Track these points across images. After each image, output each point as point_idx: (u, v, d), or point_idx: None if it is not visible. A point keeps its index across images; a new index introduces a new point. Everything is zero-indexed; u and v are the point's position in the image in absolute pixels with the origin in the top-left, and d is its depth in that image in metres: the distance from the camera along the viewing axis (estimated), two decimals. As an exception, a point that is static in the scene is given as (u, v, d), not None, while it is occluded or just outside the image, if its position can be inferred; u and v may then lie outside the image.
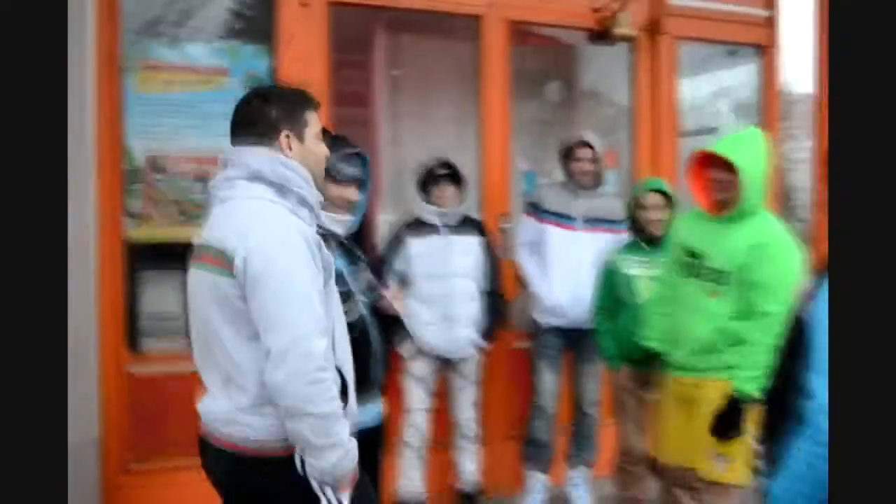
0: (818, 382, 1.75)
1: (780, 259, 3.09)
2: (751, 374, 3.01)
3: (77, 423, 3.30)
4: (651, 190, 3.93)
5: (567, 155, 4.31)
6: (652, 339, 3.47)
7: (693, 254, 3.24)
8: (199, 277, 2.12)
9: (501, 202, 4.70)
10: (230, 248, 2.00)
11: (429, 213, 4.05)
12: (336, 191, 2.73)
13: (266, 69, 4.16)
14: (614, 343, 3.83)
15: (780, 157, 5.85)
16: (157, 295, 4.10)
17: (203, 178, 4.03)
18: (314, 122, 2.21)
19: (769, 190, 3.18)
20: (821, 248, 5.39)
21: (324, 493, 2.06)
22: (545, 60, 5.87)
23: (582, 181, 4.27)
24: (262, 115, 2.15)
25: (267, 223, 2.05)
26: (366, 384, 2.59)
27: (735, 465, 3.17)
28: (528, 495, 4.38)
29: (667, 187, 3.95)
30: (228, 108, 3.84)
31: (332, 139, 2.71)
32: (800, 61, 5.87)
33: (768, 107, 5.64)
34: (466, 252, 4.06)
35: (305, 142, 2.19)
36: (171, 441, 3.97)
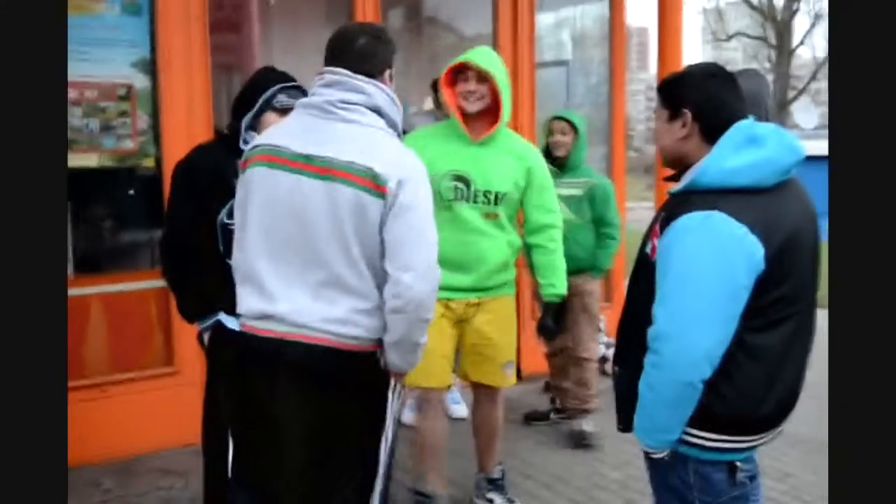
0: (659, 311, 1.98)
1: (548, 174, 3.48)
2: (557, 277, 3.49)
3: None
4: (556, 118, 4.47)
5: (437, 87, 4.59)
6: None
7: (461, 179, 3.30)
8: (313, 186, 2.21)
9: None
10: (382, 172, 2.17)
11: None
12: (277, 120, 2.77)
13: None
14: None
15: (622, 88, 6.36)
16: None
17: (78, 104, 4.02)
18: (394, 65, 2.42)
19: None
20: (659, 178, 5.97)
21: (395, 381, 2.42)
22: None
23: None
24: (374, 52, 2.33)
25: (409, 157, 2.28)
26: None
27: (513, 368, 3.57)
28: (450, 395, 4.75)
29: (572, 115, 4.50)
30: (104, 35, 3.96)
31: (273, 72, 2.88)
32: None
33: (615, 40, 6.13)
34: None
35: (393, 79, 2.40)
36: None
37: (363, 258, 2.23)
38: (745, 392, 2.02)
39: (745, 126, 2.06)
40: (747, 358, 2.00)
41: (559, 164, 4.43)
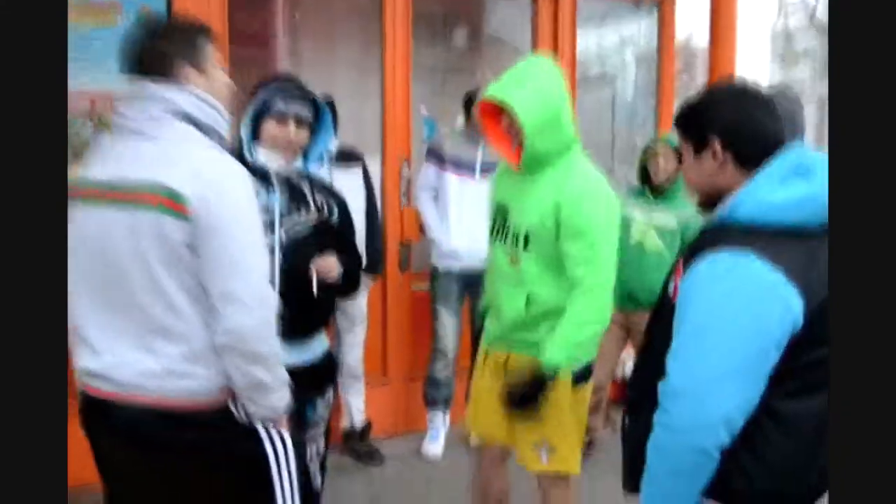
0: (673, 364, 1.72)
1: (591, 216, 2.59)
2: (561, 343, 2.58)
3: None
4: (663, 142, 4.18)
5: (470, 104, 4.34)
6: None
7: (502, 213, 2.79)
8: (111, 217, 1.94)
9: (403, 148, 4.71)
10: (179, 188, 1.87)
11: None
12: (273, 129, 2.54)
13: (161, 5, 4.01)
14: None
15: (670, 106, 6.05)
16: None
17: (91, 117, 3.88)
18: (211, 50, 2.07)
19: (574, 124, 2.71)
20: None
21: (269, 432, 2.05)
22: (447, 5, 5.84)
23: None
24: (158, 51, 2.00)
25: (220, 168, 1.95)
26: (310, 322, 2.61)
27: (558, 453, 2.77)
28: (429, 433, 4.57)
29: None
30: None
31: (276, 80, 2.63)
32: (700, 16, 6.04)
33: (664, 57, 5.83)
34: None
35: (207, 72, 2.05)
36: None
37: (181, 293, 1.90)
38: (774, 466, 1.72)
39: (793, 154, 1.76)
40: (776, 427, 1.70)
41: (658, 190, 4.13)
